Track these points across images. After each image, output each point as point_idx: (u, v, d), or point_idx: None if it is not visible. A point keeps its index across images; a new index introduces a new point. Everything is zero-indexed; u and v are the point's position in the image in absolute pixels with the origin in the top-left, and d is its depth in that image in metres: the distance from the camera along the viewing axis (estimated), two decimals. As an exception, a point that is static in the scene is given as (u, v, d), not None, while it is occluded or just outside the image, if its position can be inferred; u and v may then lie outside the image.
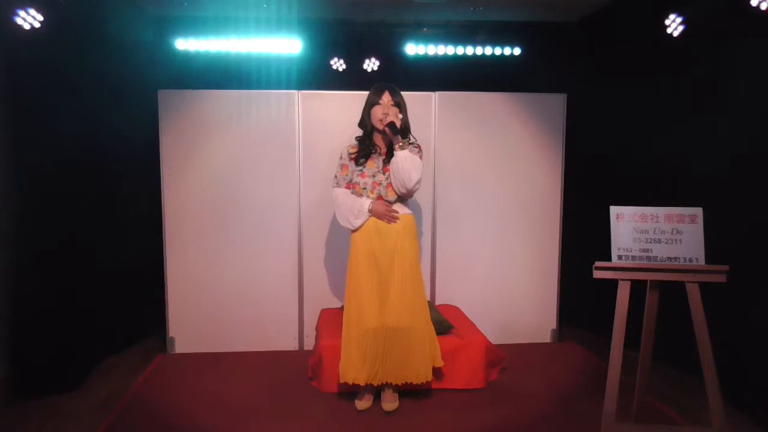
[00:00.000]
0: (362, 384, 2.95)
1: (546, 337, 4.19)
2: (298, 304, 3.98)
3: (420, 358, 2.96)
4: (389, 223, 2.98)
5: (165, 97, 3.78)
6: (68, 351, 3.27)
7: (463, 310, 3.90)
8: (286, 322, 3.98)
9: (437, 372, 3.18)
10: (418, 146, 3.01)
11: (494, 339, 3.65)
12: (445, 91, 3.98)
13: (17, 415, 2.93)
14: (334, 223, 3.83)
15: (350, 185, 3.06)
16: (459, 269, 4.08)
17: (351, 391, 3.09)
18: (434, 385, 3.22)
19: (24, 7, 2.88)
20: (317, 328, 3.74)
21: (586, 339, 4.19)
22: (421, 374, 2.97)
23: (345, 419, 2.92)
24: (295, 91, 3.88)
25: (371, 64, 4.12)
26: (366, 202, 2.98)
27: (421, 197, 3.98)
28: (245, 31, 3.93)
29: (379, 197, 3.00)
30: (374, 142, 3.05)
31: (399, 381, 2.95)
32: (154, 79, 3.90)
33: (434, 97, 3.97)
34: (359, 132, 3.13)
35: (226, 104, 3.83)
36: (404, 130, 2.96)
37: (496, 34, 4.18)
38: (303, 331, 4.00)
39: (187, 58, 4.02)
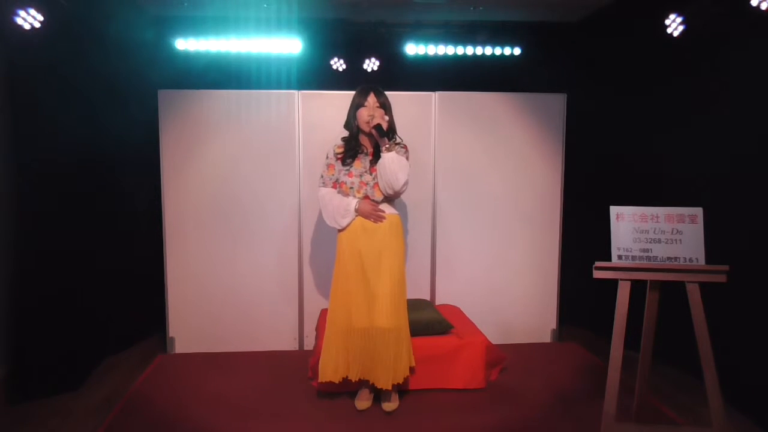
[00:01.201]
0: (336, 381, 2.95)
1: (546, 337, 4.19)
2: (298, 304, 3.98)
3: (403, 359, 2.96)
4: (376, 223, 2.98)
5: (165, 97, 3.79)
6: (68, 351, 3.27)
7: (463, 310, 3.90)
8: (286, 322, 3.98)
9: (434, 372, 3.20)
10: (405, 147, 3.01)
11: (494, 339, 3.65)
12: (445, 91, 3.98)
13: (17, 415, 2.94)
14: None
15: (336, 185, 3.06)
16: (459, 269, 4.08)
17: (349, 391, 3.09)
18: (434, 385, 3.22)
19: (24, 7, 2.88)
20: (317, 328, 3.74)
21: (586, 339, 4.19)
22: (401, 374, 2.96)
23: (345, 419, 2.92)
24: (295, 91, 3.88)
25: (371, 64, 4.12)
26: (352, 202, 2.99)
27: (421, 197, 3.98)
28: (245, 31, 3.93)
29: (366, 197, 3.00)
30: (360, 143, 3.05)
31: (386, 385, 2.92)
32: (154, 79, 3.90)
33: (434, 97, 3.97)
34: None
35: (226, 104, 3.83)
36: (390, 131, 2.97)
37: (496, 34, 4.18)
38: (303, 331, 4.01)
39: (187, 58, 4.02)
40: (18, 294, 3.12)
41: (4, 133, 3.06)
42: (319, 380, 3.02)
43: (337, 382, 2.96)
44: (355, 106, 3.01)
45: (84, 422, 2.86)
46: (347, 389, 3.08)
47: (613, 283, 2.54)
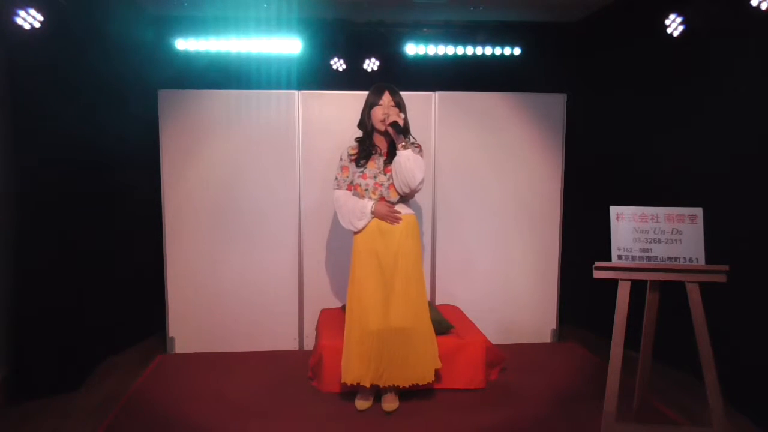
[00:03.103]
0: (367, 385, 2.94)
1: (546, 337, 4.19)
2: (298, 304, 3.98)
3: (423, 359, 2.96)
4: (392, 224, 2.98)
5: (165, 97, 3.78)
6: (68, 351, 3.27)
7: (463, 310, 3.90)
8: (286, 322, 3.98)
9: (436, 373, 3.19)
10: (419, 146, 3.00)
11: (494, 339, 3.65)
12: (445, 91, 3.98)
13: (17, 415, 2.94)
14: (335, 223, 3.83)
15: (351, 187, 3.06)
16: (459, 269, 4.08)
17: (351, 391, 3.09)
18: (435, 385, 3.22)
19: (24, 7, 2.88)
20: (317, 328, 3.74)
21: (586, 339, 4.19)
22: (425, 375, 2.97)
23: (345, 419, 2.92)
24: (295, 91, 3.88)
25: (371, 64, 4.12)
26: (368, 204, 2.98)
27: (421, 197, 3.98)
28: (245, 31, 3.93)
29: (381, 198, 2.99)
30: (374, 143, 3.05)
31: (405, 383, 2.95)
32: (154, 79, 3.90)
33: (434, 97, 3.97)
34: (359, 132, 3.13)
35: (226, 104, 3.83)
36: (405, 130, 2.96)
37: (496, 34, 4.18)
38: (303, 331, 4.01)
39: (187, 58, 4.02)
40: (18, 294, 3.12)
41: (4, 132, 3.06)
42: (342, 381, 2.99)
43: (367, 385, 2.94)
44: (370, 105, 3.01)
45: (84, 422, 2.86)
46: (348, 389, 3.08)
47: (613, 283, 2.54)
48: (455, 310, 3.90)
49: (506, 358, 3.56)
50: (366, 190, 3.00)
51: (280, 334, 3.98)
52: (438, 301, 4.08)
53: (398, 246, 2.96)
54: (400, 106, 2.99)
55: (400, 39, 4.13)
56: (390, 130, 2.91)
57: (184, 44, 3.96)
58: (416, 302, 2.96)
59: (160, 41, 3.97)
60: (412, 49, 4.13)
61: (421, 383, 2.98)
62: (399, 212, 2.99)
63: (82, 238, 3.44)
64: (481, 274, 4.09)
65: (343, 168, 3.07)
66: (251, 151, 3.86)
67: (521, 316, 4.15)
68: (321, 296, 3.99)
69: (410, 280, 2.95)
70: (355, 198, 3.02)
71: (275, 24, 3.94)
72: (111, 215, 3.79)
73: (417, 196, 3.89)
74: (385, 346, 2.90)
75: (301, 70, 4.16)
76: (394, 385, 2.97)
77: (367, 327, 2.92)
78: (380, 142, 3.05)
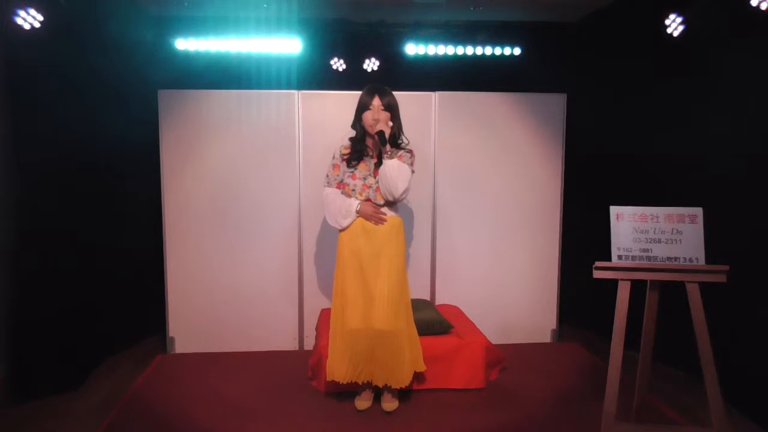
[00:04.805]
0: (345, 382, 2.94)
1: (546, 337, 4.19)
2: (298, 304, 3.98)
3: (402, 363, 2.93)
4: (376, 225, 2.98)
5: (165, 97, 3.79)
6: (68, 351, 3.27)
7: (463, 310, 3.90)
8: (286, 322, 3.98)
9: (434, 372, 3.19)
10: (410, 151, 3.00)
11: (494, 339, 3.64)
12: (445, 91, 3.98)
13: (17, 415, 2.94)
14: (334, 223, 3.84)
15: (341, 185, 3.06)
16: (459, 269, 4.08)
17: (349, 391, 3.09)
18: (435, 385, 3.22)
19: (24, 7, 2.88)
20: (317, 328, 3.74)
21: (586, 339, 4.19)
22: (403, 379, 2.94)
23: (345, 419, 2.92)
24: (295, 91, 3.88)
25: (371, 64, 4.12)
26: (354, 203, 2.99)
27: (422, 197, 3.98)
28: (245, 31, 3.93)
29: (368, 200, 3.00)
30: (366, 145, 3.05)
31: (380, 383, 2.94)
32: (154, 79, 3.90)
33: (434, 97, 3.97)
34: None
35: (226, 104, 3.83)
36: (394, 136, 2.96)
37: (496, 34, 4.18)
38: (303, 331, 4.01)
39: (187, 58, 4.02)
40: (18, 294, 3.12)
41: (4, 133, 3.06)
42: (327, 379, 3.01)
43: (344, 383, 2.95)
44: (361, 107, 3.01)
45: (84, 422, 2.86)
46: (348, 389, 3.08)
47: (613, 283, 2.54)
48: (455, 310, 3.90)
49: (506, 359, 3.56)
50: (354, 190, 3.00)
51: (280, 334, 3.98)
52: (438, 301, 4.08)
53: (381, 247, 2.96)
54: (390, 107, 2.98)
55: (400, 39, 4.13)
56: (376, 138, 2.91)
57: (184, 44, 3.96)
58: (398, 305, 2.95)
59: (160, 41, 3.97)
60: (412, 49, 4.13)
61: (395, 386, 2.95)
62: (384, 213, 2.99)
63: (81, 238, 3.44)
64: (481, 273, 4.09)
65: (334, 166, 3.08)
66: (251, 151, 3.86)
67: (521, 316, 4.15)
68: (321, 296, 3.99)
69: (393, 283, 2.94)
70: (343, 197, 3.03)
71: (275, 24, 3.94)
72: (111, 215, 3.79)
73: (417, 195, 3.91)
74: (366, 346, 2.89)
75: (301, 70, 4.16)
76: (369, 381, 2.96)
77: (347, 326, 2.92)
78: (372, 144, 3.05)
